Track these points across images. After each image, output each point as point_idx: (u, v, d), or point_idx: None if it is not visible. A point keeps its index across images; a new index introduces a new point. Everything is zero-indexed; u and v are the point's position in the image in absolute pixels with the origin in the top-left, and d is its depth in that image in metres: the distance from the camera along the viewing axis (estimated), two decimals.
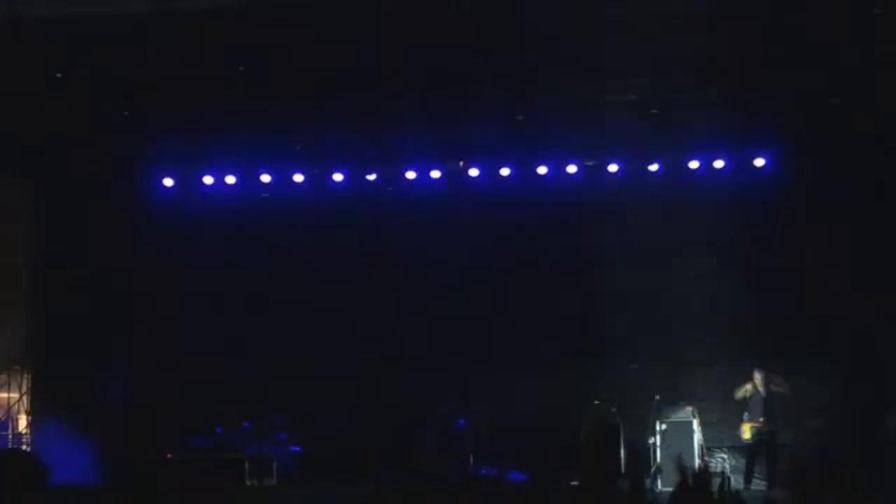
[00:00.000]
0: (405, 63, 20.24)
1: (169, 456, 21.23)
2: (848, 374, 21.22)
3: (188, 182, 23.60)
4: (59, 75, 19.97)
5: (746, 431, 20.58)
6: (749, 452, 20.67)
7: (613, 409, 21.23)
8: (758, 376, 20.52)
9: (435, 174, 23.25)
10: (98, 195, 23.45)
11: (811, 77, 19.93)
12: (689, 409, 21.02)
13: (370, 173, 23.34)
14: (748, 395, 20.55)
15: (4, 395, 23.62)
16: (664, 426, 20.91)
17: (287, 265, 23.30)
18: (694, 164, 22.58)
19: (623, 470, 20.50)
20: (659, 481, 20.13)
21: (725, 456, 21.71)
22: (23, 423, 23.66)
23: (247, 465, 20.86)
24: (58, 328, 23.39)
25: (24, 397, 23.63)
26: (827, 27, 18.26)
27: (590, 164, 22.96)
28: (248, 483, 20.70)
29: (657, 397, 20.89)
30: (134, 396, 22.34)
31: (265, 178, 23.48)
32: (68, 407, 22.74)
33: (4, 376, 23.44)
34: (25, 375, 23.63)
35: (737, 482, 19.94)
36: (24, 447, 23.12)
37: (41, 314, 23.53)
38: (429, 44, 19.55)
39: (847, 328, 21.18)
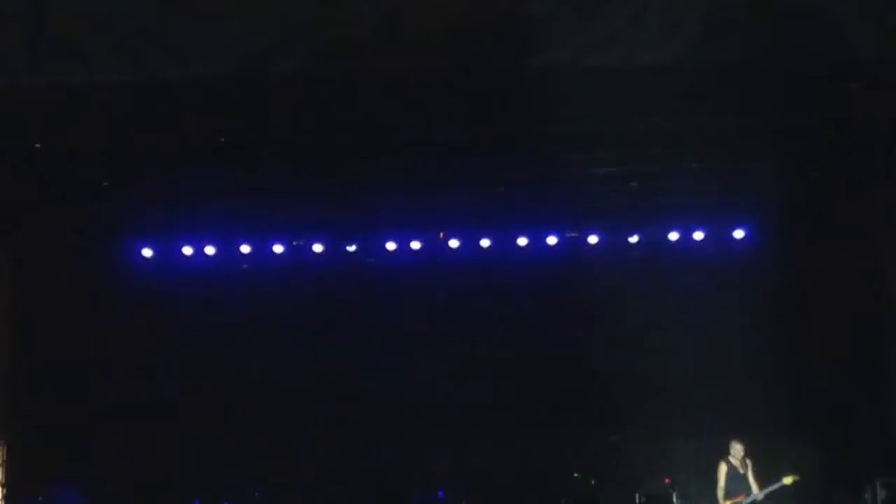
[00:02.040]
0: (384, 134, 20.27)
1: None
2: (826, 449, 21.17)
3: (167, 252, 23.52)
4: (37, 145, 19.91)
5: None
6: None
7: (593, 483, 21.12)
8: (737, 447, 20.36)
9: (415, 245, 23.25)
10: (74, 265, 23.32)
11: (790, 149, 20.02)
12: (668, 482, 20.87)
13: (350, 244, 23.32)
14: (728, 471, 20.36)
15: None
16: (644, 499, 20.79)
17: (265, 336, 23.21)
18: (673, 236, 22.64)
19: None
20: None
21: None
22: None
23: None
24: (35, 398, 23.19)
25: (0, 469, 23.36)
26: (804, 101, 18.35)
27: (571, 235, 22.99)
28: None
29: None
30: (112, 472, 22.16)
31: (245, 248, 23.42)
32: (46, 481, 22.47)
33: None
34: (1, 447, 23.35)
35: None
36: None
37: (17, 386, 23.30)
38: (408, 115, 19.59)
39: (826, 403, 21.16)
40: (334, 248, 23.37)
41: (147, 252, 23.51)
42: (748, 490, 20.09)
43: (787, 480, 19.88)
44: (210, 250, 23.44)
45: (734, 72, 16.41)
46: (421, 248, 23.31)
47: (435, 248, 23.30)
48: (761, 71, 16.40)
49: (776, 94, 17.42)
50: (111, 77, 17.33)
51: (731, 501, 20.17)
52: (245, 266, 23.55)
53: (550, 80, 17.66)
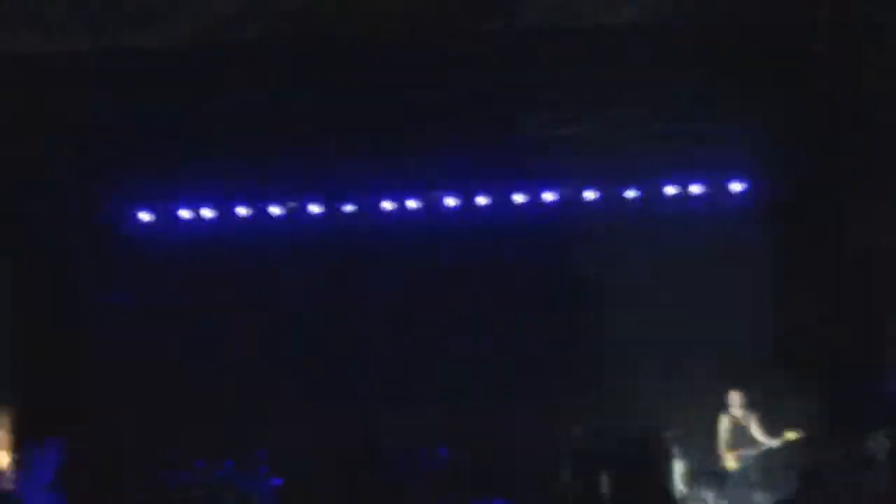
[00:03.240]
0: (378, 96, 20.25)
1: (144, 494, 21.06)
2: (828, 401, 21.29)
3: (164, 216, 23.45)
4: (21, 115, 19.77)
5: (731, 461, 20.42)
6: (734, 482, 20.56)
7: (596, 437, 21.22)
8: (736, 398, 20.47)
9: (411, 204, 23.23)
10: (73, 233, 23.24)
11: (789, 103, 20.06)
12: (671, 435, 20.97)
13: (347, 205, 23.28)
14: (730, 424, 20.48)
15: None
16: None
17: (265, 297, 23.22)
18: (671, 190, 22.68)
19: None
20: None
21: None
22: None
23: (227, 501, 20.77)
24: (30, 359, 23.12)
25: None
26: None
27: (566, 191, 22.99)
28: None
29: None
30: (104, 433, 22.14)
31: (241, 210, 23.37)
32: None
33: None
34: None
35: None
36: None
37: (14, 347, 23.23)
38: (402, 77, 19.57)
39: (827, 356, 21.27)
40: (330, 209, 23.33)
41: (144, 216, 23.42)
42: (751, 443, 20.23)
43: (790, 436, 20.03)
44: (207, 213, 23.40)
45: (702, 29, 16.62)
46: (417, 208, 23.29)
47: (431, 207, 23.29)
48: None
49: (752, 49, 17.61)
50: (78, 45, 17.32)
51: (735, 453, 20.31)
52: (243, 228, 23.51)
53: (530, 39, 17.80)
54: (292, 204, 23.29)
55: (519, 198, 22.97)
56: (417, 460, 21.64)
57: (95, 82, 18.73)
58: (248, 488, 21.03)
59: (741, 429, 20.36)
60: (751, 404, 20.49)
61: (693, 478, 20.89)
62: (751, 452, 20.24)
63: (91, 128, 20.77)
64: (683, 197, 22.68)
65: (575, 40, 17.59)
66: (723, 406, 20.60)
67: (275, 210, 23.33)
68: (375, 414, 22.47)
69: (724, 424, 20.45)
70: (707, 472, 20.90)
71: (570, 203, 22.89)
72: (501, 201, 23.02)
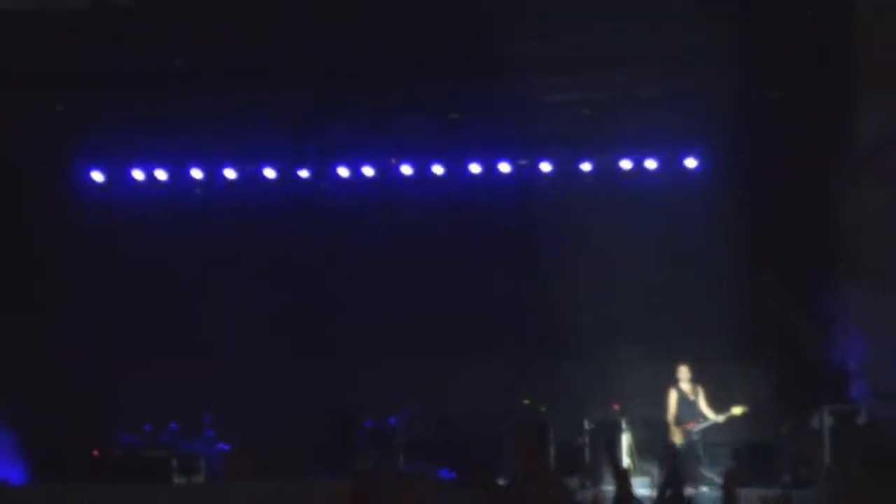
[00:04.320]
0: (337, 58, 20.20)
1: (95, 453, 20.98)
2: (776, 377, 21.38)
3: (118, 177, 23.34)
4: None
5: (678, 435, 20.39)
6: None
7: (543, 409, 21.27)
8: (684, 371, 20.46)
9: (367, 171, 23.18)
10: (25, 190, 23.08)
11: (743, 76, 20.11)
12: (618, 408, 21.02)
13: (302, 169, 23.21)
14: (678, 397, 20.49)
15: None
16: (593, 425, 20.95)
17: (217, 261, 23.12)
18: (626, 164, 22.70)
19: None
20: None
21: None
22: None
23: (174, 463, 20.71)
24: None
25: None
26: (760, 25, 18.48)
27: (522, 162, 22.99)
28: (176, 481, 20.52)
29: None
30: (59, 393, 22.06)
31: (196, 173, 23.27)
32: None
33: None
34: None
35: None
36: None
37: None
38: (362, 39, 19.53)
39: (775, 331, 21.35)
40: (287, 174, 23.27)
41: (98, 176, 23.30)
42: (699, 416, 20.26)
43: (737, 411, 20.09)
44: (161, 175, 23.29)
45: None
46: (373, 174, 23.24)
47: (387, 174, 23.25)
48: None
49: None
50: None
51: (682, 427, 20.30)
52: (197, 191, 23.43)
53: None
54: (249, 168, 23.20)
55: (475, 168, 22.93)
56: (367, 427, 21.61)
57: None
58: (195, 451, 20.96)
59: (689, 403, 20.37)
60: (699, 379, 20.52)
61: (640, 451, 20.96)
62: (698, 426, 20.26)
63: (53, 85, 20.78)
64: (637, 170, 22.67)
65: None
66: (672, 380, 20.62)
67: (230, 173, 23.21)
68: (325, 381, 22.42)
69: (672, 398, 20.45)
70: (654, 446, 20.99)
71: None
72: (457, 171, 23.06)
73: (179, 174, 23.30)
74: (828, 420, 19.52)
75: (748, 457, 20.34)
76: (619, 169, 22.79)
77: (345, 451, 21.23)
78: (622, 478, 11.02)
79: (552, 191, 22.94)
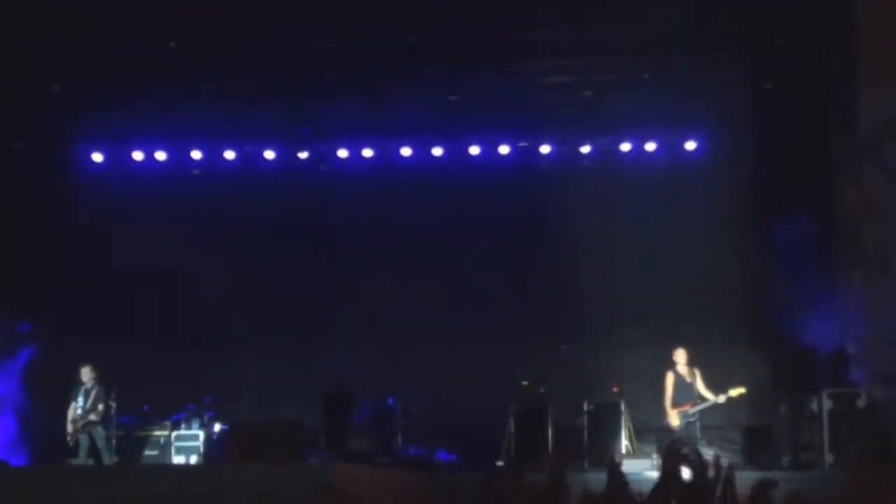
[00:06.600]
0: (338, 41, 20.19)
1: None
2: (775, 360, 21.37)
3: (118, 158, 23.31)
4: None
5: (675, 418, 20.34)
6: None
7: (542, 391, 21.25)
8: (681, 354, 20.38)
9: (367, 153, 23.15)
10: (25, 171, 23.06)
11: (742, 61, 20.08)
12: (617, 390, 21.01)
13: (301, 150, 23.19)
14: (675, 380, 20.43)
15: None
16: (592, 407, 20.94)
17: (216, 243, 23.12)
18: (626, 147, 22.68)
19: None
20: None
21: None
22: None
23: (173, 444, 20.79)
24: None
25: None
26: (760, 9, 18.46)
27: (522, 145, 22.98)
28: (174, 461, 20.57)
29: None
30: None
31: (196, 154, 23.25)
32: None
33: None
34: None
35: None
36: None
37: None
38: (362, 21, 19.52)
39: (775, 314, 21.32)
40: (286, 155, 23.25)
41: (97, 157, 23.28)
42: (696, 399, 20.21)
43: (734, 393, 20.01)
44: (161, 156, 23.27)
45: None
46: (373, 156, 23.21)
47: (387, 155, 23.23)
48: None
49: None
50: None
51: (679, 410, 20.24)
52: (196, 171, 23.40)
53: None
54: (248, 149, 23.18)
55: (475, 150, 22.91)
56: (364, 409, 21.61)
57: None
58: (193, 431, 21.01)
59: (686, 385, 20.32)
60: (696, 361, 20.46)
61: (638, 433, 20.96)
62: (696, 408, 20.21)
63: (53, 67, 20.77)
64: (637, 153, 22.65)
65: None
66: (670, 363, 20.57)
67: (229, 154, 23.20)
68: (323, 362, 22.44)
69: (669, 381, 20.40)
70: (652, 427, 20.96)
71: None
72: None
73: (179, 156, 23.26)
74: (827, 403, 19.52)
75: (747, 440, 20.36)
76: (619, 151, 22.78)
77: (341, 431, 21.23)
78: (613, 468, 10.93)
79: (552, 173, 22.90)
